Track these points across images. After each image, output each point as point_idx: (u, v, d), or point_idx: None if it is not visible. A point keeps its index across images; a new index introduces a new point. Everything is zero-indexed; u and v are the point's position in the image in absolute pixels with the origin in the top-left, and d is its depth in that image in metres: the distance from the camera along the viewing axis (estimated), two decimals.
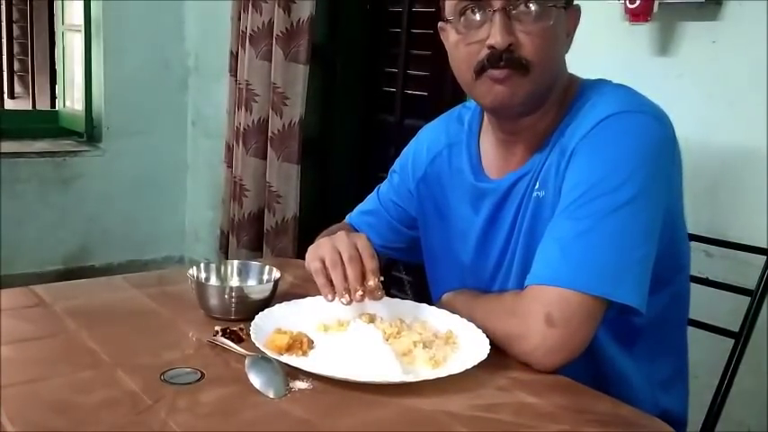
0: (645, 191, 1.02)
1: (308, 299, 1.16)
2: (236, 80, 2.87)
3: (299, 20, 2.61)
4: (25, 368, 0.96)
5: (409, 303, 1.18)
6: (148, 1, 3.36)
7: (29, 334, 1.07)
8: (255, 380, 0.92)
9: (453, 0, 1.09)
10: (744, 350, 1.27)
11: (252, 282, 1.23)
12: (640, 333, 1.14)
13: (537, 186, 1.11)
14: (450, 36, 1.12)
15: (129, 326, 1.12)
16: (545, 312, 0.99)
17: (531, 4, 1.05)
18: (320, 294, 1.10)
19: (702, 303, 1.32)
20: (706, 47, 1.63)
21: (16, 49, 6.48)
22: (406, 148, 1.38)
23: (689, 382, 1.25)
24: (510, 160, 1.17)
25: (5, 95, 6.38)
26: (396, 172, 1.38)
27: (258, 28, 2.73)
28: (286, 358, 0.98)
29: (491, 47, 1.05)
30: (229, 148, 2.94)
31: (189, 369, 0.95)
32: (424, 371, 0.98)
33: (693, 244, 1.27)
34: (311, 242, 1.20)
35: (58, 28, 3.75)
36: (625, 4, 1.66)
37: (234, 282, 1.24)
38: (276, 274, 1.21)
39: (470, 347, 1.03)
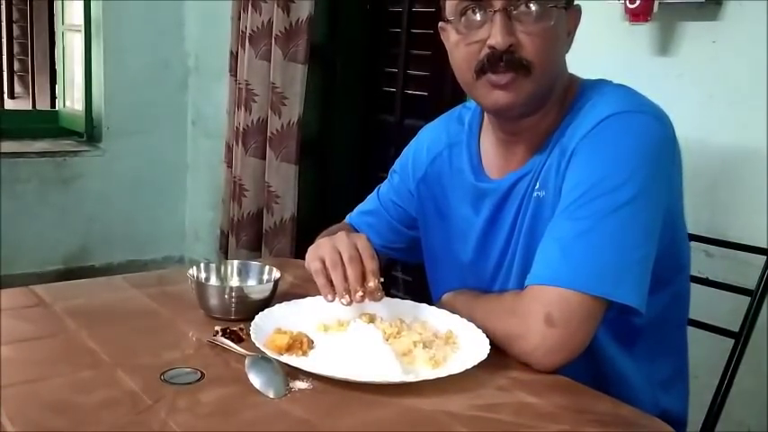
0: (645, 191, 1.02)
1: (308, 299, 1.16)
2: (236, 80, 2.87)
3: (297, 19, 2.61)
4: (25, 368, 0.96)
5: (409, 303, 1.18)
6: (148, 1, 3.36)
7: (29, 334, 1.07)
8: (255, 380, 0.92)
9: (454, 0, 1.09)
10: (744, 350, 1.27)
11: (252, 282, 1.23)
12: (640, 333, 1.14)
13: (537, 186, 1.11)
14: (450, 36, 1.12)
15: (129, 326, 1.12)
16: (545, 312, 0.99)
17: (531, 5, 1.05)
18: (320, 294, 1.10)
19: (702, 303, 1.31)
20: (706, 47, 1.63)
21: (16, 49, 6.47)
22: (406, 149, 1.38)
23: (689, 382, 1.25)
24: (510, 160, 1.17)
25: (5, 95, 6.37)
26: (396, 172, 1.38)
27: (258, 28, 2.73)
28: (286, 358, 0.98)
29: (492, 47, 1.05)
30: (229, 148, 2.94)
31: (189, 369, 0.95)
32: (424, 371, 0.98)
33: (693, 244, 1.27)
34: (311, 242, 1.20)
35: (58, 28, 3.75)
36: (625, 4, 1.66)
37: (234, 282, 1.24)
38: (276, 274, 1.21)
39: (470, 347, 1.03)
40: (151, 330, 1.11)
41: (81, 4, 3.37)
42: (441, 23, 1.14)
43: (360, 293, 1.06)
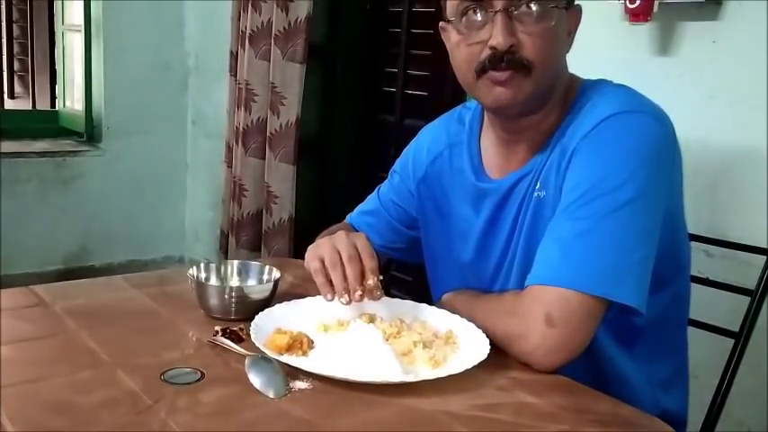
0: (645, 191, 1.02)
1: (308, 299, 1.16)
2: (236, 80, 2.87)
3: (296, 19, 2.61)
4: (25, 368, 0.96)
5: (409, 303, 1.18)
6: (148, 1, 3.36)
7: (29, 334, 1.07)
8: (255, 380, 0.92)
9: (455, 0, 1.09)
10: (744, 350, 1.27)
11: (252, 282, 1.23)
12: (640, 333, 1.14)
13: (538, 186, 1.11)
14: (451, 36, 1.12)
15: (129, 326, 1.12)
16: (545, 312, 0.99)
17: (532, 5, 1.05)
18: (320, 294, 1.10)
19: (702, 303, 1.31)
20: (706, 47, 1.63)
21: (16, 49, 6.47)
22: (406, 149, 1.38)
23: (689, 382, 1.25)
24: (511, 160, 1.17)
25: (5, 95, 6.37)
26: (396, 172, 1.38)
27: (257, 28, 2.73)
28: (286, 358, 0.97)
29: (493, 48, 1.05)
30: (229, 149, 2.95)
31: (189, 369, 0.95)
32: (424, 371, 0.98)
33: (693, 244, 1.27)
34: (311, 242, 1.20)
35: (58, 28, 3.75)
36: (625, 4, 1.66)
37: (234, 282, 1.24)
38: (276, 274, 1.21)
39: (470, 347, 1.03)
40: (151, 330, 1.11)
41: (81, 4, 3.37)
42: (441, 23, 1.14)
43: (359, 292, 1.06)
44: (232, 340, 1.03)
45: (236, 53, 2.86)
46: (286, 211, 2.73)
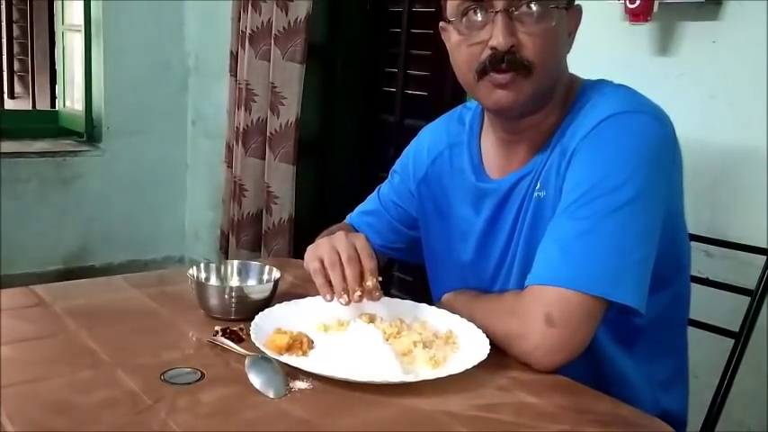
0: (645, 191, 1.02)
1: (308, 299, 1.16)
2: (236, 80, 2.87)
3: (296, 19, 2.61)
4: (25, 368, 0.96)
5: (409, 303, 1.18)
6: (148, 1, 3.36)
7: (29, 334, 1.07)
8: (255, 380, 0.92)
9: (455, 0, 1.08)
10: (744, 350, 1.27)
11: (252, 282, 1.23)
12: (640, 333, 1.14)
13: (538, 186, 1.11)
14: (451, 36, 1.12)
15: (129, 326, 1.12)
16: (545, 312, 0.99)
17: (532, 5, 1.05)
18: (320, 294, 1.10)
19: (702, 303, 1.31)
20: (706, 47, 1.63)
21: (16, 49, 6.47)
22: (406, 149, 1.38)
23: (689, 382, 1.25)
24: (511, 160, 1.17)
25: (5, 95, 6.37)
26: (396, 172, 1.38)
27: (257, 28, 2.73)
28: (286, 358, 0.98)
29: (493, 48, 1.05)
30: (230, 149, 2.95)
31: (189, 369, 0.95)
32: (423, 371, 0.98)
33: (693, 244, 1.27)
34: (311, 243, 1.20)
35: (58, 28, 3.75)
36: (625, 4, 1.66)
37: (234, 282, 1.24)
38: (276, 274, 1.21)
39: (470, 347, 1.03)
40: (151, 330, 1.11)
41: (81, 4, 3.37)
42: (442, 23, 1.14)
43: (358, 293, 1.06)
44: (232, 340, 1.03)
45: (236, 53, 2.86)
46: (286, 211, 2.73)
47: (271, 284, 1.17)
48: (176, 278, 1.34)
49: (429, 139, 1.32)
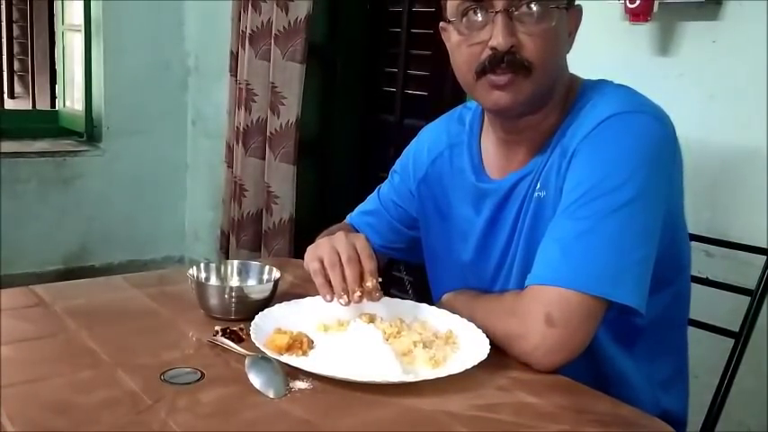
0: (645, 191, 1.02)
1: (308, 299, 1.16)
2: (237, 80, 2.87)
3: (296, 19, 2.61)
4: (25, 368, 0.96)
5: (409, 303, 1.18)
6: (148, 1, 3.36)
7: (29, 334, 1.07)
8: (255, 380, 0.92)
9: (455, 0, 1.08)
10: (744, 350, 1.27)
11: (252, 282, 1.23)
12: (641, 333, 1.14)
13: (538, 187, 1.11)
14: (451, 37, 1.11)
15: (129, 326, 1.12)
16: (545, 312, 0.99)
17: (533, 6, 1.05)
18: (320, 294, 1.10)
19: (702, 303, 1.31)
20: (706, 47, 1.63)
21: (16, 49, 6.47)
22: (406, 149, 1.38)
23: (689, 382, 1.25)
24: (511, 160, 1.17)
25: (5, 95, 6.38)
26: (396, 172, 1.38)
27: (257, 27, 2.73)
28: (286, 358, 0.97)
29: (493, 48, 1.05)
30: (230, 149, 2.95)
31: (189, 369, 0.95)
32: (423, 371, 0.98)
33: (693, 244, 1.27)
34: (311, 243, 1.20)
35: (58, 28, 3.76)
36: (625, 3, 1.66)
37: (234, 282, 1.24)
38: (276, 274, 1.20)
39: (470, 347, 1.03)
40: (151, 330, 1.11)
41: (81, 4, 3.37)
42: (442, 23, 1.14)
43: (358, 294, 1.06)
44: (232, 340, 1.03)
45: (237, 53, 2.86)
46: (286, 211, 2.73)
47: (271, 284, 1.17)
48: (176, 278, 1.34)
49: (429, 140, 1.32)
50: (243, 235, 2.86)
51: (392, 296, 1.17)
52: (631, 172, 1.02)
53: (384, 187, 1.41)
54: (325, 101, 2.96)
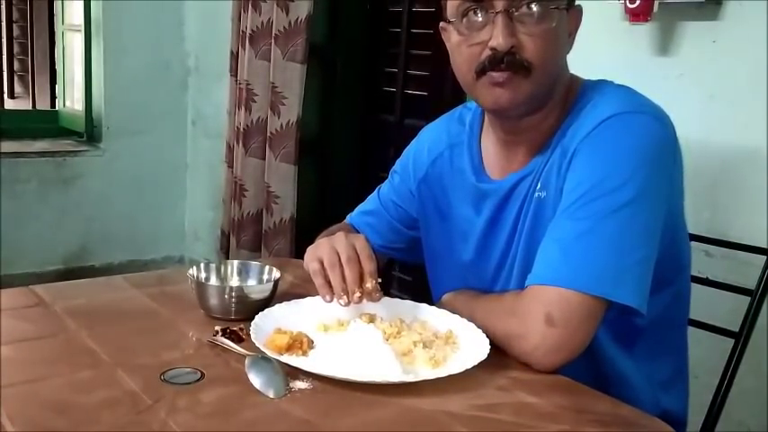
0: (645, 191, 1.02)
1: (308, 299, 1.16)
2: (237, 80, 2.87)
3: (296, 19, 2.61)
4: (25, 368, 0.96)
5: (409, 303, 1.18)
6: (148, 1, 3.36)
7: (29, 334, 1.07)
8: (255, 380, 0.92)
9: (455, 1, 1.08)
10: (744, 350, 1.27)
11: (252, 282, 1.23)
12: (641, 333, 1.14)
13: (538, 187, 1.11)
14: (451, 37, 1.11)
15: (129, 326, 1.12)
16: (545, 312, 0.99)
17: (533, 6, 1.04)
18: (320, 295, 1.10)
19: (702, 303, 1.31)
20: (706, 47, 1.63)
21: (16, 49, 6.48)
22: (406, 149, 1.38)
23: (689, 382, 1.25)
24: (512, 161, 1.17)
25: (5, 95, 6.38)
26: (396, 172, 1.38)
27: (258, 28, 2.73)
28: (286, 358, 0.98)
29: (493, 49, 1.05)
30: (230, 149, 2.95)
31: (189, 369, 0.95)
32: (424, 371, 0.98)
33: (693, 244, 1.27)
34: (311, 243, 1.20)
35: (58, 28, 3.75)
36: (625, 4, 1.66)
37: (234, 282, 1.24)
38: (276, 274, 1.21)
39: (470, 347, 1.03)
40: (151, 330, 1.11)
41: (81, 4, 3.37)
42: (442, 24, 1.14)
43: (357, 294, 1.06)
44: (232, 340, 1.03)
45: (237, 53, 2.86)
46: (287, 211, 2.73)
47: (271, 284, 1.17)
48: (176, 278, 1.34)
49: (429, 140, 1.32)
50: (243, 235, 2.86)
51: (392, 296, 1.17)
52: (632, 172, 1.02)
53: (384, 187, 1.41)
54: (326, 101, 2.96)
